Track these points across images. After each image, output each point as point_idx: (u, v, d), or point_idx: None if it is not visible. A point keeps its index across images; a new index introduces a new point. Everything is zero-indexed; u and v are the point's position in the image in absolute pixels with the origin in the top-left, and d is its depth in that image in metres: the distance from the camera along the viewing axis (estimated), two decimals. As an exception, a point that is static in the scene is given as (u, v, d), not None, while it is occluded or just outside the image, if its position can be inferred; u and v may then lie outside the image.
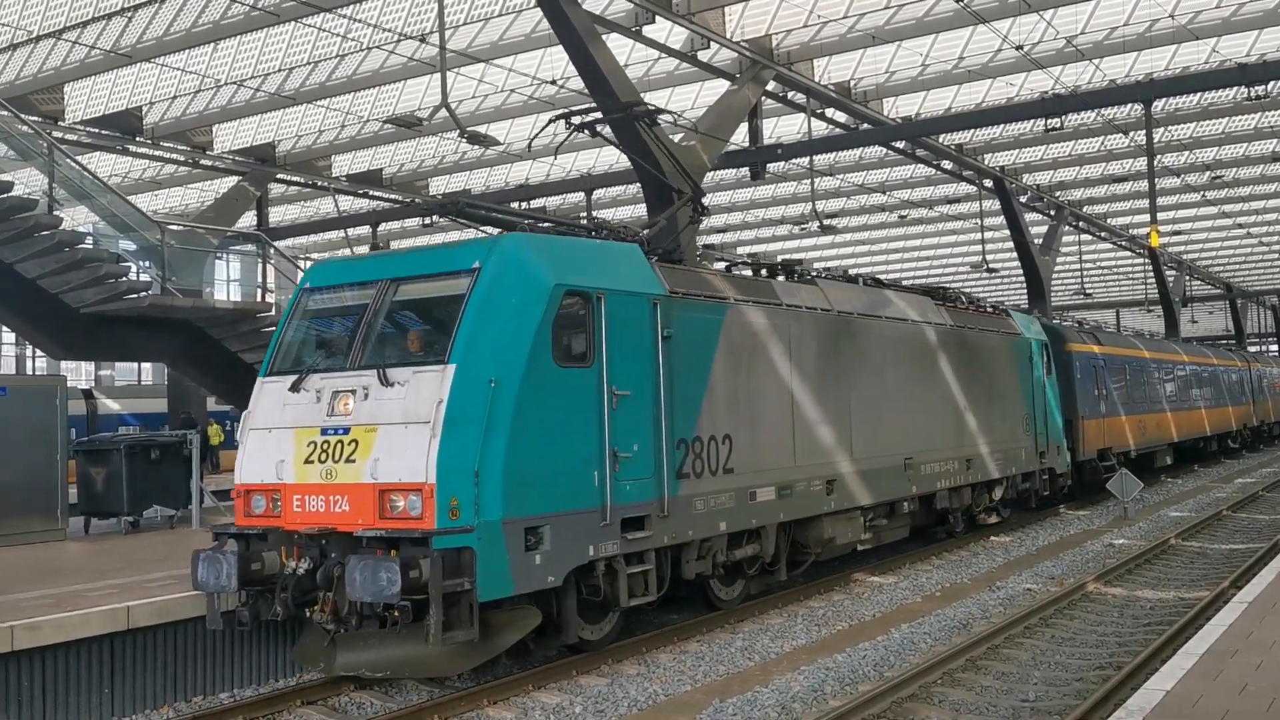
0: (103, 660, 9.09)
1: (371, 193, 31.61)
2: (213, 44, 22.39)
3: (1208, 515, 19.55)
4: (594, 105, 14.02)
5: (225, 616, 9.18)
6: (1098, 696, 8.14)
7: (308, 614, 8.91)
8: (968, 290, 59.19)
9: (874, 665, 9.94)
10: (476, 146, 23.35)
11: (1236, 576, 12.87)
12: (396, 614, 8.35)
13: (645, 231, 12.37)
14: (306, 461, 9.14)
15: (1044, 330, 21.33)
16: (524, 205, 32.19)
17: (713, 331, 11.28)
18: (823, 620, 11.98)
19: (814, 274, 14.25)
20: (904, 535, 15.27)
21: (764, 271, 13.65)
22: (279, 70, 23.57)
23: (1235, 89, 23.16)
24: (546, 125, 13.40)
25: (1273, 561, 10.49)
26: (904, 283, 18.55)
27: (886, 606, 12.68)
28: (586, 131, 12.77)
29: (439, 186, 32.41)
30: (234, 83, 23.86)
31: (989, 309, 19.17)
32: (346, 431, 9.01)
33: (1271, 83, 21.55)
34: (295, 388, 9.49)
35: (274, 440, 9.44)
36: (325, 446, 9.06)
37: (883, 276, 24.22)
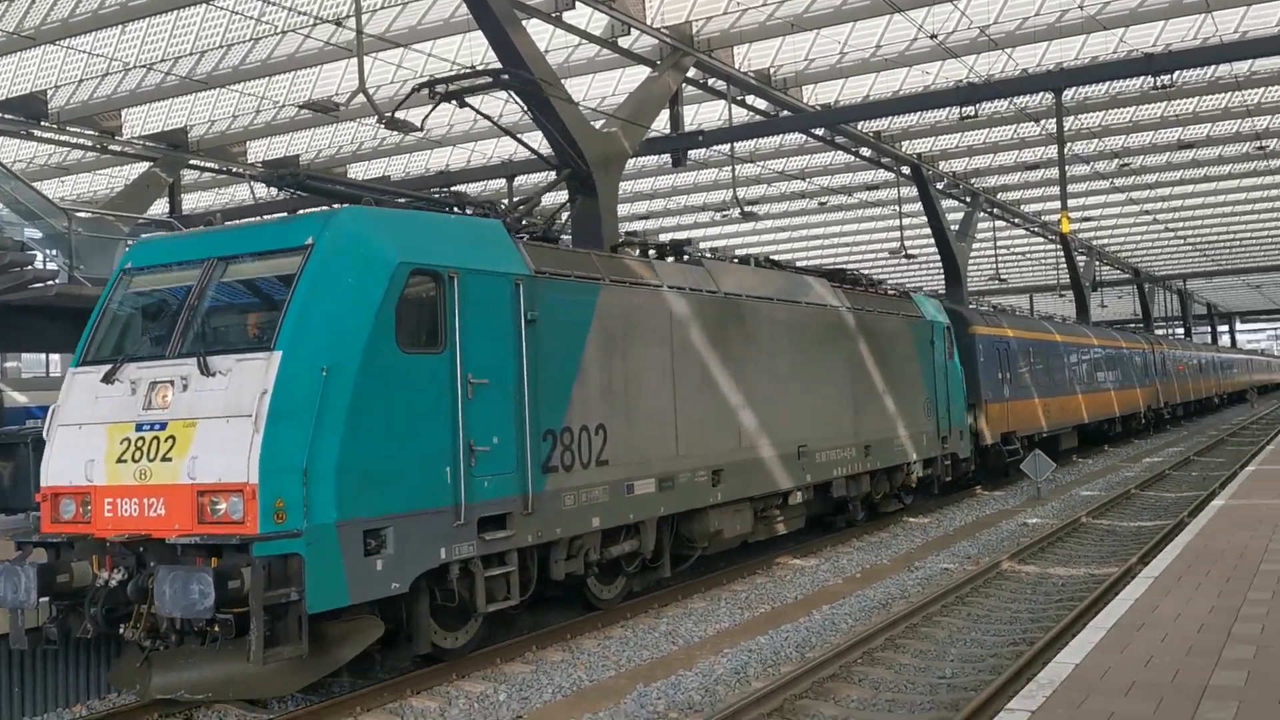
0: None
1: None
2: (121, 25, 21.74)
3: (1117, 494, 20.14)
4: (460, 73, 12.66)
5: (32, 635, 8.31)
6: (1011, 672, 8.35)
7: (121, 630, 8.06)
8: (886, 275, 60.15)
9: (796, 646, 10.08)
10: (396, 132, 23.03)
11: (1144, 553, 13.28)
12: (217, 629, 7.53)
13: (522, 207, 11.74)
14: (119, 461, 8.27)
15: (947, 313, 21.09)
16: (443, 193, 31.92)
17: (584, 314, 10.62)
18: (746, 603, 12.11)
19: (700, 255, 13.70)
20: (799, 526, 14.80)
21: (653, 252, 13.22)
22: (190, 53, 22.97)
23: (1142, 78, 23.81)
24: (411, 95, 12.62)
25: (1178, 538, 10.85)
26: (806, 265, 18.30)
27: (808, 588, 12.86)
28: (454, 102, 12.06)
29: (358, 173, 31.92)
30: (143, 66, 23.20)
31: (890, 291, 18.98)
32: (163, 427, 8.18)
33: (1177, 72, 22.20)
34: (109, 378, 8.61)
35: (84, 437, 8.56)
36: (140, 444, 8.21)
37: (802, 262, 24.45)
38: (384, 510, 8.32)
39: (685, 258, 13.33)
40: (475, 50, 21.78)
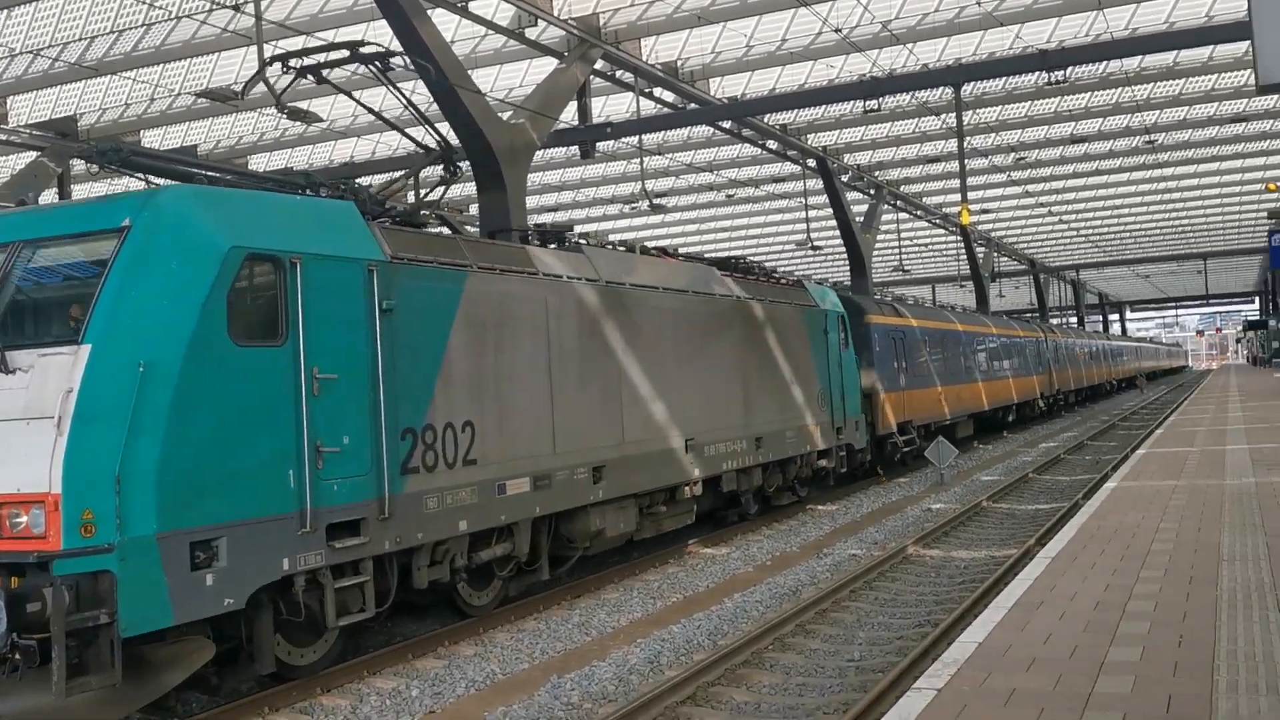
0: None
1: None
2: (5, 10, 20.92)
3: (1015, 478, 20.72)
4: (315, 47, 11.80)
5: None
6: (917, 652, 8.54)
7: None
8: (793, 267, 60.89)
9: (708, 634, 10.17)
10: (298, 123, 22.58)
11: (1041, 535, 13.69)
12: (17, 657, 6.77)
13: (376, 189, 10.90)
14: None
15: (842, 302, 20.90)
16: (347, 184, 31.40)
17: (449, 303, 9.92)
18: (658, 593, 12.17)
19: (580, 241, 13.23)
20: (689, 522, 14.43)
21: (535, 240, 12.80)
22: (80, 39, 22.20)
23: (1037, 74, 24.45)
24: (259, 72, 11.83)
25: (1073, 519, 11.21)
26: (697, 254, 17.85)
27: (720, 577, 12.98)
28: (311, 77, 11.34)
29: (259, 163, 31.23)
30: (30, 51, 22.36)
31: (782, 280, 18.50)
32: None
33: (1070, 68, 22.86)
34: None
35: None
36: None
37: (710, 254, 24.60)
38: (215, 519, 7.62)
39: (564, 244, 12.89)
40: (379, 39, 21.44)
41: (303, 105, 21.04)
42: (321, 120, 18.77)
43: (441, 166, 12.39)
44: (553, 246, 12.64)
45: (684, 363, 13.91)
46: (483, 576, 10.95)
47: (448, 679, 9.07)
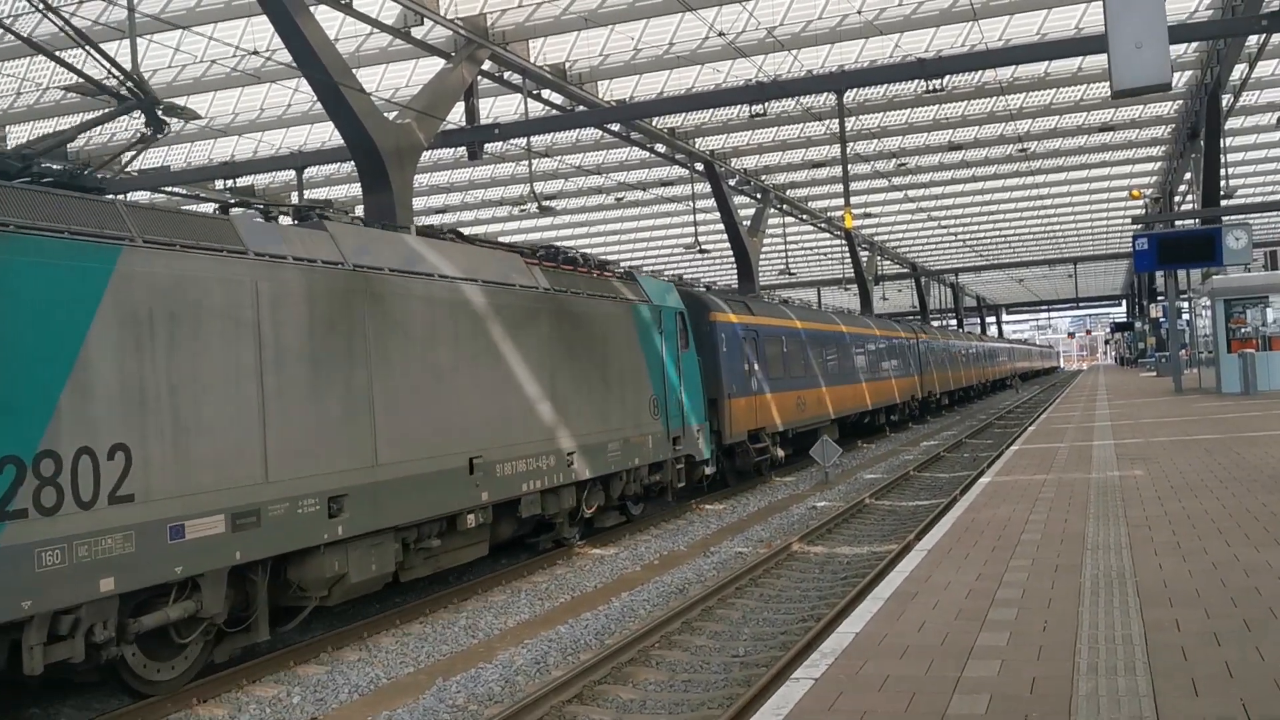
0: None
1: None
2: None
3: (897, 476, 21.25)
4: None
5: None
6: (799, 645, 8.72)
7: None
8: (681, 270, 61.37)
9: (595, 634, 10.20)
10: (173, 119, 21.90)
11: (920, 529, 14.08)
12: None
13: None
14: None
15: (684, 298, 19.24)
16: (228, 184, 30.61)
17: (85, 288, 7.63)
18: (546, 594, 12.16)
19: (325, 214, 10.84)
20: (481, 554, 12.33)
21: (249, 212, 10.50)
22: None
23: (916, 82, 25.19)
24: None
25: (950, 514, 11.55)
26: (499, 239, 15.73)
27: (608, 577, 13.02)
28: None
29: (133, 162, 30.20)
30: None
31: (610, 272, 16.35)
32: None
33: (947, 76, 23.59)
34: None
35: None
36: None
37: (602, 256, 24.53)
38: None
39: (304, 219, 10.75)
40: (259, 35, 20.99)
41: (180, 101, 20.45)
42: (199, 117, 18.25)
43: (143, 121, 9.61)
44: (287, 221, 10.71)
45: (469, 366, 11.68)
46: (160, 645, 8.57)
47: (330, 685, 8.92)
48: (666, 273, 51.17)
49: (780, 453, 23.08)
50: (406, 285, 10.93)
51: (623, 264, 30.68)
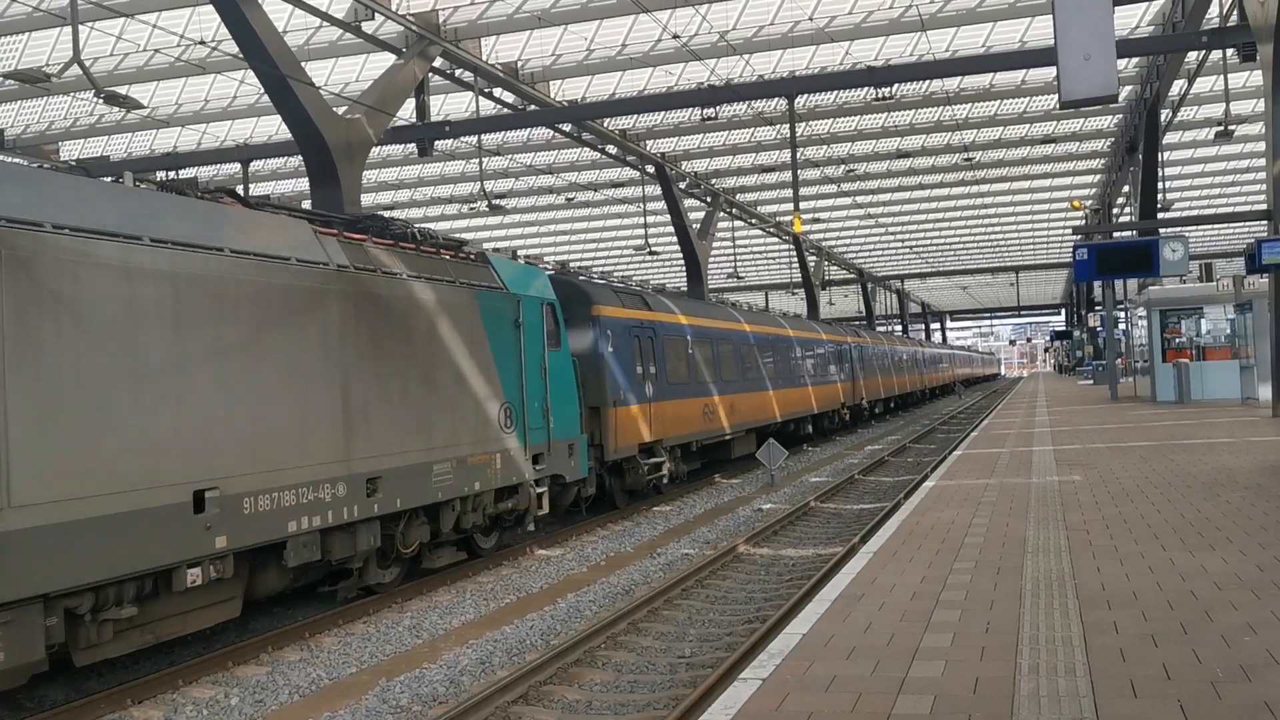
0: None
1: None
2: None
3: (842, 480, 21.42)
4: None
5: None
6: (745, 647, 8.75)
7: None
8: (631, 272, 61.34)
9: (541, 635, 10.16)
10: (115, 109, 21.52)
11: (865, 532, 14.20)
12: None
13: None
14: None
15: (557, 287, 16.52)
16: (170, 175, 30.09)
17: None
18: (491, 594, 12.09)
19: None
20: (229, 615, 9.35)
21: None
22: None
23: (866, 89, 25.43)
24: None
25: (894, 517, 11.67)
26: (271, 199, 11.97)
27: (554, 578, 12.98)
28: None
29: (71, 151, 29.62)
30: None
31: (450, 251, 13.25)
32: None
33: (895, 85, 23.85)
34: None
35: None
36: None
37: (551, 258, 24.29)
38: None
39: None
40: (206, 24, 20.67)
41: (121, 90, 20.07)
42: (142, 107, 17.91)
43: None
44: None
45: (201, 366, 8.77)
46: None
47: (270, 686, 8.79)
48: (617, 274, 51.35)
49: (683, 468, 20.81)
50: (85, 251, 7.89)
51: (564, 260, 30.58)
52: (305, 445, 9.82)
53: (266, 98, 19.10)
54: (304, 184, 30.59)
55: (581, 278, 19.55)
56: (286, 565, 9.75)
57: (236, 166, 28.64)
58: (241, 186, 27.53)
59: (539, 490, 14.20)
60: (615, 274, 49.11)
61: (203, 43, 20.55)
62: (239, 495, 8.98)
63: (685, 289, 35.07)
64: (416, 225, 12.97)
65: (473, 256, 13.74)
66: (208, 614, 9.14)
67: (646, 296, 20.75)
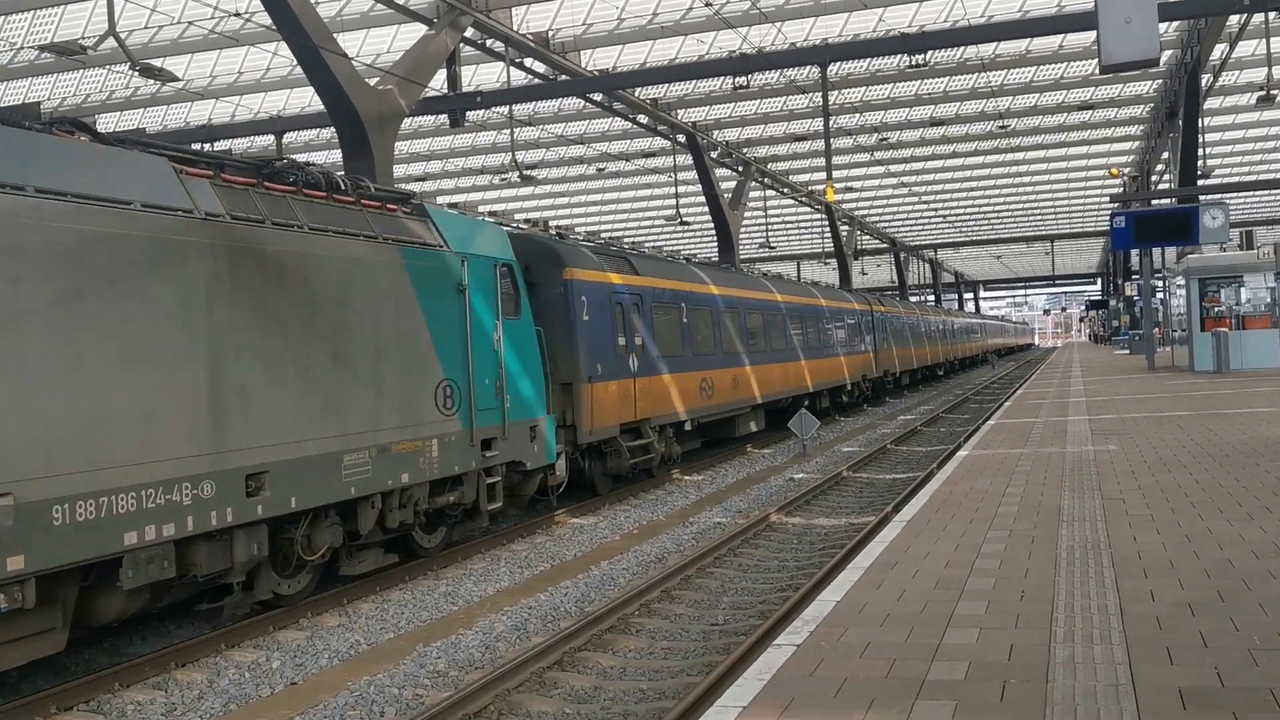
0: None
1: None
2: None
3: (874, 449, 21.38)
4: None
5: None
6: (779, 614, 8.79)
7: None
8: (662, 244, 61.14)
9: (575, 602, 10.25)
10: (150, 81, 21.66)
11: (898, 501, 14.19)
12: None
13: None
14: None
15: (523, 247, 15.07)
16: (205, 147, 30.29)
17: None
18: (525, 562, 12.20)
19: None
20: (52, 650, 7.66)
21: None
22: (-90, -15, 20.87)
23: (899, 56, 25.17)
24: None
25: (927, 486, 11.65)
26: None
27: (587, 546, 13.07)
28: None
29: (108, 123, 29.87)
30: None
31: (366, 200, 11.11)
32: None
33: (929, 52, 23.58)
34: None
35: None
36: None
37: (581, 229, 24.14)
38: None
39: None
40: (239, -3, 20.72)
41: (157, 63, 20.19)
42: (177, 79, 18.02)
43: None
44: None
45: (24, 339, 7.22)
46: None
47: (310, 650, 8.94)
48: (648, 244, 51.26)
49: (676, 449, 18.78)
50: None
51: (594, 230, 30.44)
52: (151, 436, 8.00)
53: (300, 70, 19.17)
54: (338, 155, 30.74)
55: (554, 236, 17.47)
56: (122, 587, 7.88)
57: (271, 139, 28.78)
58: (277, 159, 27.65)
59: (491, 480, 12.45)
60: (646, 244, 49.03)
61: (236, 15, 20.62)
62: (44, 502, 7.17)
63: (717, 259, 34.96)
64: (345, 176, 11.18)
65: (408, 210, 11.79)
66: (16, 650, 7.39)
67: (633, 259, 18.79)
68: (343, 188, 10.87)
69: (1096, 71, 21.81)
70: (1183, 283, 31.15)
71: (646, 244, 50.94)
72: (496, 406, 12.50)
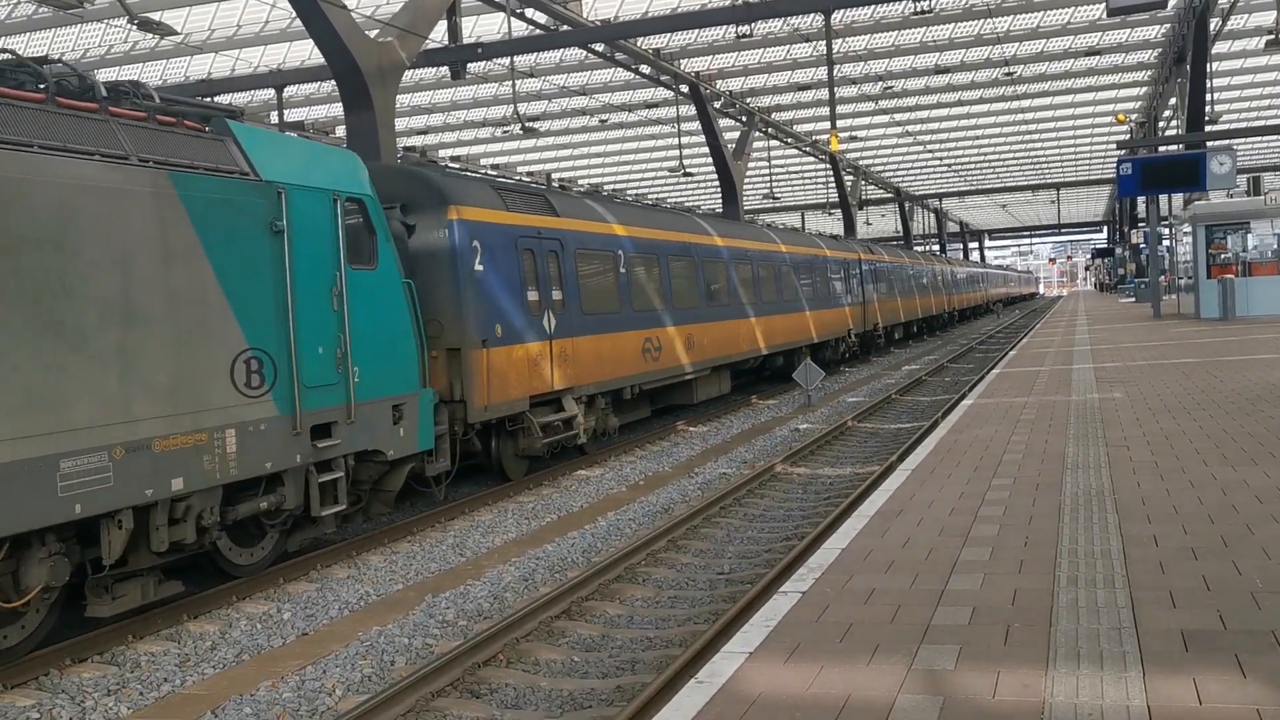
0: None
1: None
2: None
3: (879, 399, 21.41)
4: None
5: None
6: (785, 563, 8.86)
7: None
8: (665, 195, 60.79)
9: (582, 552, 10.33)
10: (149, 35, 21.49)
11: (902, 450, 14.24)
12: None
13: None
14: None
15: (394, 178, 12.94)
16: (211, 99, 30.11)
17: None
18: (532, 513, 12.29)
19: None
20: None
21: None
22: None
23: (904, 3, 24.86)
24: None
25: (932, 435, 11.68)
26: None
27: (594, 497, 13.15)
28: None
29: (107, 77, 29.68)
30: None
31: (118, 110, 8.30)
32: None
33: (934, -2, 23.26)
34: None
35: None
36: None
37: (584, 181, 23.99)
38: None
39: None
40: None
41: (155, 16, 20.00)
42: (176, 33, 17.85)
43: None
44: None
45: None
46: None
47: (320, 602, 9.03)
48: (651, 195, 50.88)
49: (613, 421, 16.50)
50: None
51: (597, 183, 30.32)
52: None
53: (299, 23, 18.99)
54: (338, 109, 30.50)
55: (438, 166, 14.73)
56: None
57: (271, 92, 28.58)
58: (276, 113, 27.52)
59: (330, 476, 9.82)
60: (650, 196, 48.77)
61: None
62: None
63: (721, 210, 34.77)
64: (111, 82, 8.68)
65: (199, 128, 9.00)
66: None
67: (552, 197, 15.70)
68: (92, 93, 8.21)
69: (1104, 16, 21.54)
70: (1189, 229, 31.00)
71: (650, 196, 50.66)
72: (337, 382, 9.80)
